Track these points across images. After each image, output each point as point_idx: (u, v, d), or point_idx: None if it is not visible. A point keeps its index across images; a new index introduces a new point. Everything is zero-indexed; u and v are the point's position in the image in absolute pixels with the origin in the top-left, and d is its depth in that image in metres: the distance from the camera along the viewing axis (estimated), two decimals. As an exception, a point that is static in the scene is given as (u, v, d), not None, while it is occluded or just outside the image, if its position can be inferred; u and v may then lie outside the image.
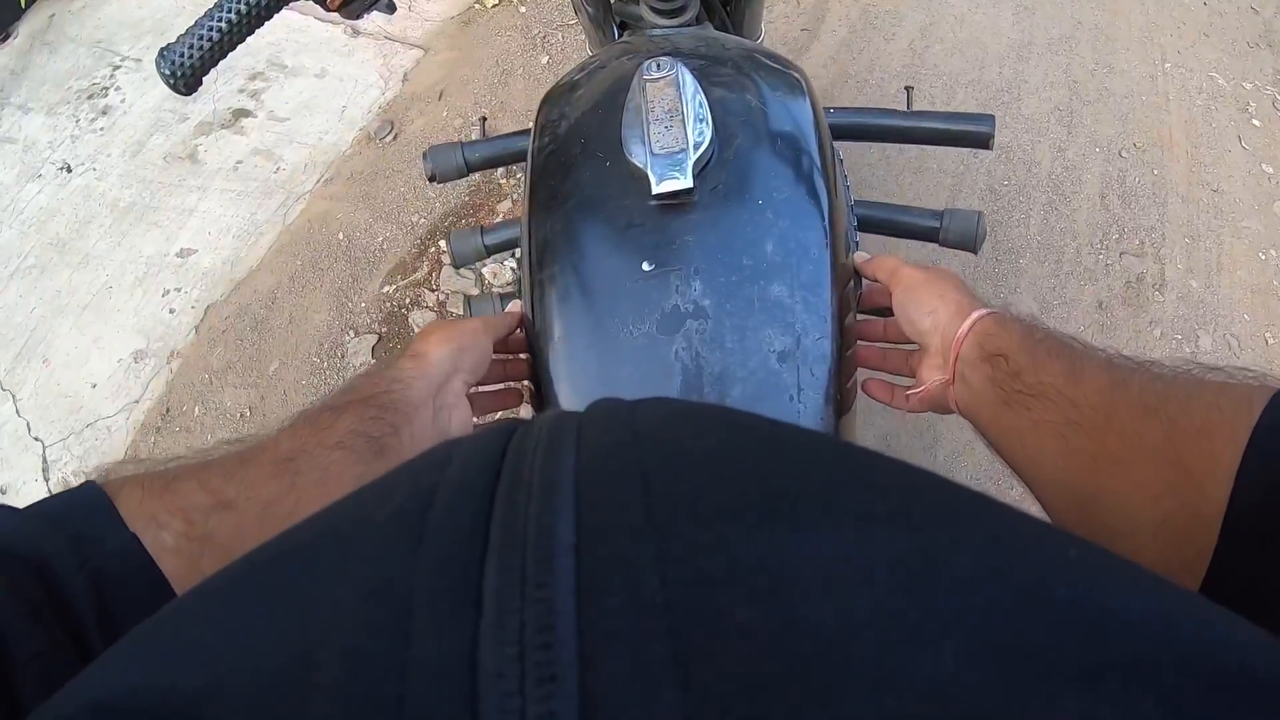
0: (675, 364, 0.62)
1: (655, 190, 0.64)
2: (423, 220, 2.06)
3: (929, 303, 0.64)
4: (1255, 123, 2.32)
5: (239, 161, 2.20)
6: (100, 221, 2.12)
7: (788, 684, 0.18)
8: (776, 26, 2.42)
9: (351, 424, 0.53)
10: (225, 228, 2.08)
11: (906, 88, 1.00)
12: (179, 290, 1.99)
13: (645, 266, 0.64)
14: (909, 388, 0.69)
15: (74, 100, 2.36)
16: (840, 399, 0.64)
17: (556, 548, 0.21)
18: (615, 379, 0.63)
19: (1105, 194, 2.12)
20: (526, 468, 0.25)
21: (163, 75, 0.72)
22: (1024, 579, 0.21)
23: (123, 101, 2.35)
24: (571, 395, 0.64)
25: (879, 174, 2.09)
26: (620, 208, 0.67)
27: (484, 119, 1.05)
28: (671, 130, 0.66)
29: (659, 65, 0.70)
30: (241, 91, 2.33)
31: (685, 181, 0.64)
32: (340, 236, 2.04)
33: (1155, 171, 2.17)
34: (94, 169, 2.22)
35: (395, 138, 2.21)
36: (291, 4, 0.72)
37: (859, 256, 0.74)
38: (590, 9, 1.09)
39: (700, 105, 0.68)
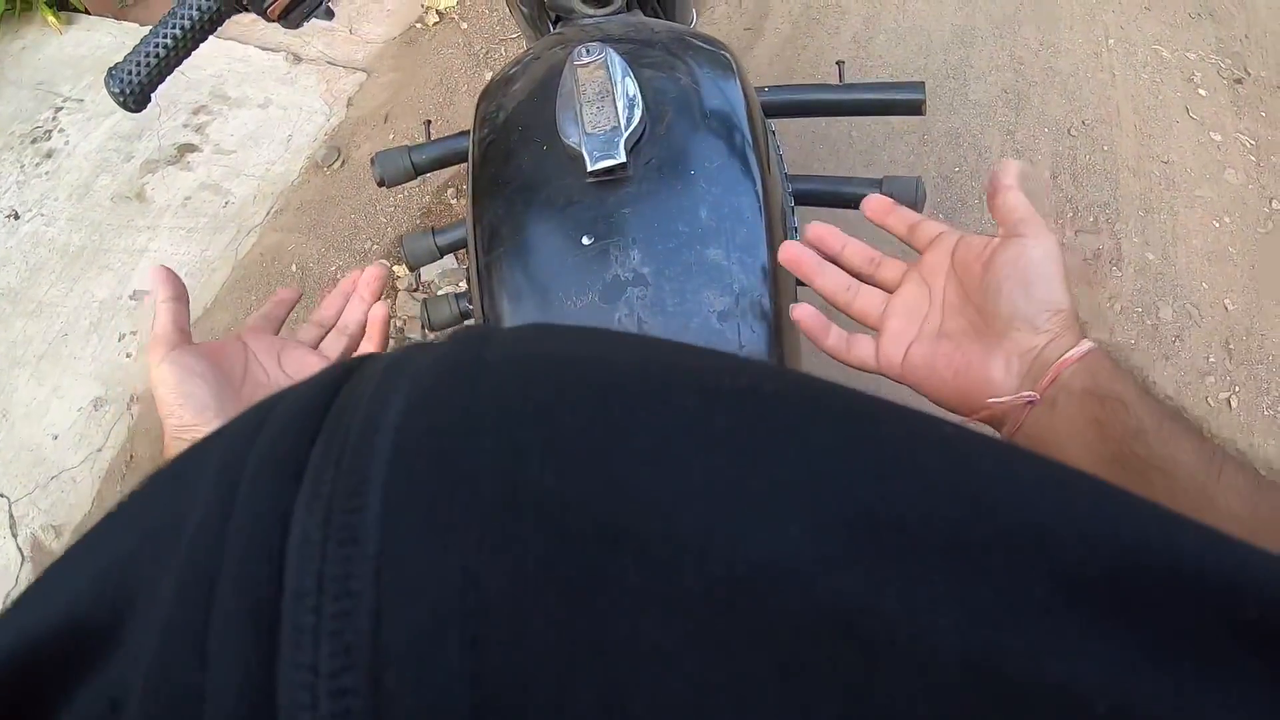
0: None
1: (590, 168, 0.66)
2: (375, 247, 2.04)
3: (1043, 290, 0.52)
4: (1201, 92, 2.35)
5: (187, 198, 2.17)
6: (51, 268, 2.08)
7: (595, 548, 0.17)
8: (719, 27, 2.43)
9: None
10: (177, 266, 2.03)
11: (838, 62, 1.02)
12: (135, 334, 1.96)
13: (585, 241, 0.66)
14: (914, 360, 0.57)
15: (17, 145, 2.33)
16: (782, 354, 0.66)
17: (380, 424, 0.20)
18: None
19: (1057, 174, 2.14)
20: (374, 361, 0.24)
21: (112, 93, 0.73)
22: (890, 449, 0.20)
23: (67, 144, 2.32)
24: None
25: (830, 167, 2.09)
26: (559, 187, 0.69)
27: (429, 122, 1.07)
28: (603, 110, 0.68)
29: (588, 50, 0.72)
30: (186, 126, 2.30)
31: (619, 158, 0.66)
32: (294, 268, 2.01)
33: (1105, 148, 2.19)
34: (42, 214, 2.19)
35: (343, 164, 2.20)
36: (233, 17, 0.73)
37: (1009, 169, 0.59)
38: (525, 8, 1.10)
39: (630, 85, 0.70)
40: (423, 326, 0.94)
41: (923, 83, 0.91)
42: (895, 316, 0.58)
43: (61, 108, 2.40)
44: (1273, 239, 2.08)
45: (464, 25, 2.48)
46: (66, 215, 2.17)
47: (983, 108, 2.25)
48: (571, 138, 0.68)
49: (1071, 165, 2.15)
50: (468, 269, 0.97)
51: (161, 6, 2.69)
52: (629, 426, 0.20)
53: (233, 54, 2.41)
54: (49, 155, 2.29)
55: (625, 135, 0.66)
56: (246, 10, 0.72)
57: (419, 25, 2.49)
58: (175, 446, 0.55)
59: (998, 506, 0.18)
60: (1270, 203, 2.14)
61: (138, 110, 0.75)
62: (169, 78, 0.76)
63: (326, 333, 0.68)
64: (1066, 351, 0.50)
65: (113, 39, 2.53)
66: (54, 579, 0.23)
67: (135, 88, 0.72)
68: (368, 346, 0.67)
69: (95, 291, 2.03)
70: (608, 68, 0.70)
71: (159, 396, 0.56)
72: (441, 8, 2.49)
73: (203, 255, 2.06)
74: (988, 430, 0.53)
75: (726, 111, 0.73)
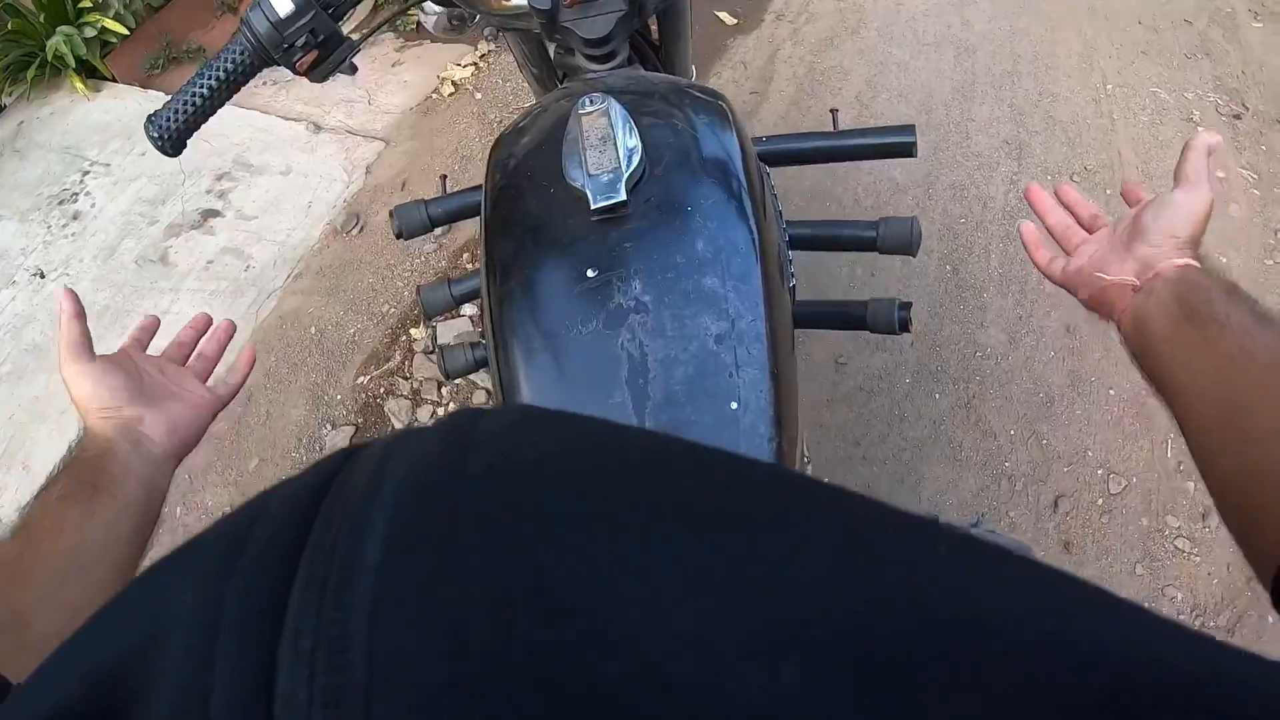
0: (622, 354, 0.67)
1: (594, 207, 0.70)
2: (393, 310, 2.09)
3: (1168, 221, 0.66)
4: (1201, 131, 2.37)
5: (209, 261, 2.23)
6: (76, 326, 2.13)
7: (589, 709, 0.17)
8: (725, 91, 2.47)
9: (66, 480, 0.62)
10: (202, 328, 2.09)
11: (831, 110, 1.05)
12: (157, 395, 1.99)
13: (589, 274, 0.70)
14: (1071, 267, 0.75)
15: (45, 206, 2.41)
16: (778, 373, 0.68)
17: (359, 566, 0.20)
18: (570, 373, 0.68)
19: (1061, 220, 2.15)
20: (352, 485, 0.23)
21: (151, 138, 0.79)
22: (885, 580, 0.19)
23: (93, 206, 2.39)
24: (532, 393, 0.69)
25: (837, 224, 2.12)
26: (565, 226, 0.73)
27: (444, 177, 1.10)
28: (605, 154, 0.72)
29: (591, 100, 0.76)
30: (209, 192, 2.37)
31: (620, 197, 0.70)
32: (313, 331, 2.06)
33: (1108, 192, 2.23)
34: (67, 274, 2.25)
35: (361, 230, 2.26)
36: (262, 76, 0.78)
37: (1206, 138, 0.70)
38: (534, 68, 1.15)
39: (630, 130, 0.74)
40: (443, 375, 0.96)
41: (913, 125, 0.94)
42: (1084, 245, 0.75)
43: (89, 171, 2.48)
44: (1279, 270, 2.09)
45: (478, 95, 2.56)
46: (91, 276, 2.23)
47: (985, 159, 2.29)
48: (576, 180, 0.72)
49: (1075, 213, 2.17)
50: (480, 305, 0.99)
51: (185, 77, 2.75)
52: (611, 569, 0.20)
53: (255, 123, 2.50)
54: (75, 217, 2.37)
55: (626, 176, 0.70)
56: (277, 65, 0.77)
57: (435, 96, 2.58)
58: (100, 425, 0.66)
59: (993, 638, 0.18)
60: (1276, 234, 2.16)
61: (174, 154, 0.80)
62: (201, 128, 0.81)
63: (187, 351, 0.80)
64: (1171, 259, 0.64)
65: (139, 106, 2.62)
66: (37, 683, 0.23)
67: (172, 133, 0.78)
68: (233, 378, 0.80)
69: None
70: (609, 115, 0.74)
71: (79, 394, 0.67)
72: (457, 79, 2.58)
73: (224, 318, 2.09)
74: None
75: (722, 156, 0.76)
